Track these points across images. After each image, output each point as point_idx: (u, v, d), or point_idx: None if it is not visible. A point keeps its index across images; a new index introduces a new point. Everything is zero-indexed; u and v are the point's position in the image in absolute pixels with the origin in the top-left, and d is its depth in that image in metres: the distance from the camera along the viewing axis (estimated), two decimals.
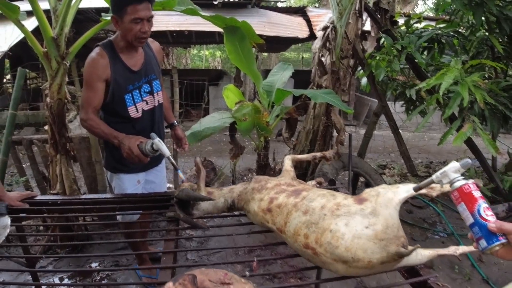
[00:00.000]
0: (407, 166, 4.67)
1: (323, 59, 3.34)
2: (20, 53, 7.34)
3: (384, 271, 1.19)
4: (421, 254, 1.25)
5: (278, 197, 1.36)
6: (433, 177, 1.06)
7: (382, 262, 1.11)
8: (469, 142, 3.74)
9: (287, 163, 1.60)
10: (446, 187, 1.11)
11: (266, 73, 7.57)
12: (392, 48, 3.47)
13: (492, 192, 3.68)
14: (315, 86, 3.35)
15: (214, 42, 9.68)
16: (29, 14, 2.72)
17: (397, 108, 4.44)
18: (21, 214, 1.72)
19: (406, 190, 1.22)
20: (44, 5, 2.30)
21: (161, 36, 6.87)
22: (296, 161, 1.68)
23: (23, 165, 3.38)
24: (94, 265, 2.65)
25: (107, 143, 2.02)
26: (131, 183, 2.09)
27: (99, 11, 6.29)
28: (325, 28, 3.42)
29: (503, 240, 0.87)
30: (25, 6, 2.45)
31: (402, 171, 4.87)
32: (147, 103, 2.01)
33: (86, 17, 5.97)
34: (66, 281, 2.43)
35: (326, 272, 2.40)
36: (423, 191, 1.27)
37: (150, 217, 2.30)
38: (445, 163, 5.37)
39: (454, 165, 1.02)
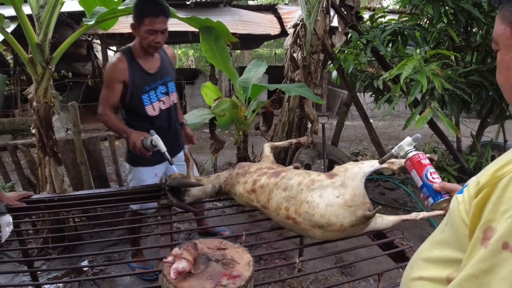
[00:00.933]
0: (378, 152, 4.95)
1: (294, 55, 3.54)
2: None
3: (355, 234, 1.39)
4: (386, 220, 1.46)
5: (260, 179, 1.54)
6: (392, 150, 1.28)
7: (352, 225, 1.30)
8: (434, 127, 4.04)
9: (267, 149, 1.78)
10: (403, 162, 1.34)
11: (240, 70, 7.70)
12: (358, 42, 3.70)
13: (458, 171, 3.98)
14: (288, 80, 3.54)
15: (187, 42, 9.73)
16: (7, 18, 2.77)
17: (366, 99, 4.69)
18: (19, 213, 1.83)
19: (369, 165, 1.42)
20: (26, 10, 2.36)
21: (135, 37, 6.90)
22: (274, 148, 1.86)
23: (7, 171, 3.43)
24: (86, 263, 2.76)
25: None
26: (149, 176, 2.29)
27: (71, 15, 6.30)
28: (295, 26, 3.62)
29: (447, 197, 1.08)
30: (5, 12, 2.52)
31: (374, 157, 5.14)
32: (164, 103, 2.23)
33: (60, 21, 5.96)
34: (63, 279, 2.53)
35: (307, 252, 2.61)
36: (385, 165, 1.48)
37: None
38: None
39: (407, 139, 1.25)
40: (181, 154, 2.45)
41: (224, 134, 5.45)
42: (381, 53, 3.74)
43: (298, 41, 3.52)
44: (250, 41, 7.95)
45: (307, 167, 2.24)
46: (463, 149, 4.78)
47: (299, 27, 3.51)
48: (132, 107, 2.16)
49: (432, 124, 3.91)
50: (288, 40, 3.62)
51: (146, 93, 2.13)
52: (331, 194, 1.33)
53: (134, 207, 2.32)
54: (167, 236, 1.44)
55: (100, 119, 2.10)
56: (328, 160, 3.65)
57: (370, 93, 4.56)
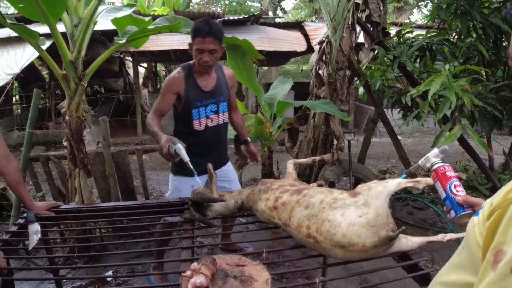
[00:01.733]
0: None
1: (320, 71, 3.54)
2: (28, 75, 7.61)
3: (378, 255, 1.35)
4: (411, 241, 1.42)
5: (282, 196, 1.53)
6: (419, 162, 1.27)
7: (375, 246, 1.27)
8: (464, 144, 3.91)
9: (290, 166, 1.77)
10: (430, 181, 1.31)
11: (267, 86, 7.78)
12: (385, 58, 3.67)
13: (490, 191, 3.82)
14: (313, 97, 3.54)
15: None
16: (41, 36, 2.92)
17: (394, 116, 4.62)
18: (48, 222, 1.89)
19: (394, 183, 1.39)
20: (60, 28, 2.49)
21: (164, 54, 7.12)
22: (298, 165, 1.85)
23: (39, 181, 3.57)
24: (110, 273, 2.81)
25: (176, 133, 2.36)
26: (186, 186, 2.32)
27: (104, 33, 6.58)
28: (321, 43, 3.63)
29: (469, 211, 1.05)
30: (37, 29, 2.66)
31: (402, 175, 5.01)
32: (212, 120, 2.31)
33: (93, 38, 6.25)
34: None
35: (331, 271, 2.56)
36: (411, 184, 1.44)
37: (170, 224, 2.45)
38: None
39: (434, 151, 1.24)
40: (225, 169, 2.52)
41: None
42: (408, 69, 3.69)
43: (324, 58, 3.53)
44: (277, 58, 8.04)
45: (331, 184, 2.22)
46: (496, 167, 4.59)
47: (324, 44, 3.52)
48: (182, 119, 2.29)
49: (462, 141, 3.79)
50: (314, 57, 3.63)
51: (197, 108, 2.24)
52: (353, 213, 1.30)
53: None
54: (188, 251, 1.45)
55: (147, 120, 2.20)
56: (354, 177, 3.59)
57: (398, 109, 4.50)
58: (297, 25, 7.54)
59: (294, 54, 8.01)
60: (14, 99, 8.90)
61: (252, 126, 3.01)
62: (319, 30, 6.90)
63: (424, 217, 3.91)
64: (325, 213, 1.35)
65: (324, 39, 3.57)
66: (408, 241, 1.41)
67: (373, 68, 3.99)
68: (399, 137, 4.43)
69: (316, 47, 3.69)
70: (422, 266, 1.45)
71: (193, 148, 2.22)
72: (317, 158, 1.87)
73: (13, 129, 6.66)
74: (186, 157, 1.78)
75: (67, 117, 2.59)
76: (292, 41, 6.70)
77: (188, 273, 0.94)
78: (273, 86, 3.92)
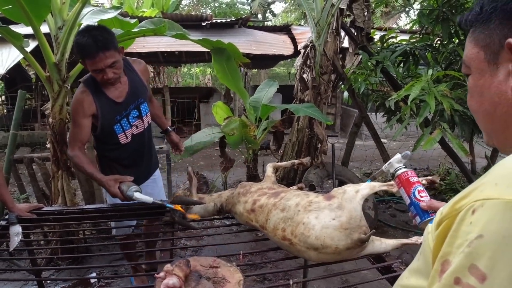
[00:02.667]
0: (391, 173, 4.90)
1: (304, 75, 3.59)
2: (14, 75, 7.53)
3: (352, 257, 1.39)
4: (385, 243, 1.46)
5: (260, 199, 1.56)
6: (383, 167, 1.31)
7: (348, 248, 1.31)
8: (447, 148, 4.00)
9: (269, 170, 1.80)
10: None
11: (255, 89, 7.81)
12: (368, 63, 3.74)
13: None
14: (298, 101, 3.59)
15: (203, 61, 9.91)
16: (27, 36, 2.91)
17: (379, 119, 4.69)
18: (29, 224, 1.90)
19: (368, 187, 1.43)
20: (44, 29, 2.47)
21: (152, 56, 7.11)
22: (277, 168, 1.89)
23: (23, 183, 3.54)
24: (93, 275, 2.81)
25: (100, 159, 2.20)
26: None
27: None
28: (305, 47, 3.68)
29: (433, 216, 1.09)
30: (23, 30, 2.65)
31: (386, 177, 5.09)
32: (137, 127, 2.10)
33: None
34: None
35: (312, 272, 2.60)
36: (385, 187, 1.49)
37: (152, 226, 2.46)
38: (427, 169, 5.62)
39: (397, 156, 1.28)
40: (156, 173, 2.39)
41: (236, 152, 5.50)
42: (391, 73, 3.76)
43: (308, 62, 3.58)
44: (264, 61, 8.07)
45: (311, 188, 2.25)
46: (478, 170, 4.69)
47: (309, 48, 3.58)
48: (104, 137, 2.05)
49: (444, 145, 3.87)
50: (298, 61, 3.68)
51: (118, 123, 2.00)
52: (327, 216, 1.34)
53: (114, 231, 2.35)
54: (167, 252, 1.47)
55: (71, 161, 2.01)
56: (337, 180, 3.65)
57: (383, 113, 4.57)
58: (284, 29, 7.60)
59: (281, 57, 8.07)
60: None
61: (236, 129, 3.04)
62: (306, 34, 6.96)
63: (406, 220, 3.98)
64: (300, 216, 1.38)
65: (308, 43, 3.62)
66: (382, 244, 1.45)
67: (357, 72, 4.06)
68: (384, 140, 4.51)
69: (301, 51, 3.74)
70: (395, 268, 1.50)
71: (124, 161, 2.15)
72: (296, 161, 1.90)
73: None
74: (149, 199, 1.72)
75: (50, 119, 2.59)
76: (279, 45, 6.76)
77: (162, 274, 0.97)
78: (258, 89, 3.96)
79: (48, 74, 2.53)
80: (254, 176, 3.69)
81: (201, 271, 1.07)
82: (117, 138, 2.03)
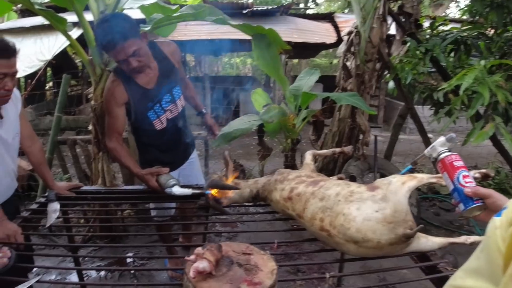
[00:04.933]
0: (436, 169, 4.65)
1: (347, 63, 3.44)
2: (61, 62, 7.84)
3: (394, 253, 1.29)
4: (431, 241, 1.35)
5: (298, 186, 1.49)
6: (425, 151, 1.21)
7: (391, 244, 1.22)
8: (498, 145, 3.72)
9: (308, 157, 1.72)
10: None
11: (295, 79, 7.67)
12: (416, 51, 3.53)
13: None
14: (340, 89, 3.45)
15: (244, 50, 9.89)
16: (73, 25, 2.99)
17: (426, 112, 4.45)
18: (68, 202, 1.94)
19: (415, 179, 1.32)
20: (88, 17, 2.53)
21: (193, 43, 7.16)
22: (317, 156, 1.80)
23: (67, 164, 3.68)
24: (129, 255, 2.86)
25: (138, 144, 2.22)
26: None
27: None
28: (349, 33, 3.53)
29: (479, 204, 0.98)
30: (70, 18, 2.71)
31: (431, 173, 4.84)
32: (171, 112, 2.07)
33: None
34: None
35: (348, 267, 2.50)
36: (434, 180, 1.37)
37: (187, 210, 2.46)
38: (475, 167, 5.28)
39: (440, 139, 1.17)
40: (193, 156, 2.37)
41: (274, 142, 5.43)
42: (441, 63, 3.54)
43: (352, 49, 3.43)
44: (306, 50, 7.90)
45: (352, 179, 2.15)
46: None
47: (353, 34, 3.42)
48: (139, 125, 2.06)
49: (495, 141, 3.60)
50: (341, 48, 3.53)
51: (151, 109, 1.99)
52: (370, 208, 1.25)
53: (153, 213, 2.36)
54: (200, 236, 1.44)
55: (110, 154, 2.02)
56: (379, 174, 3.49)
57: (429, 106, 4.33)
58: (327, 17, 7.38)
59: (323, 46, 7.86)
60: (47, 85, 9.21)
61: (275, 117, 2.96)
62: (350, 22, 6.69)
63: (451, 219, 3.76)
64: (340, 206, 1.30)
65: (353, 29, 3.46)
66: (428, 241, 1.34)
67: (404, 61, 3.85)
68: (430, 135, 4.27)
69: (345, 38, 3.59)
70: (441, 268, 1.38)
71: (160, 146, 2.15)
72: (337, 150, 1.81)
73: (43, 113, 6.90)
74: (188, 191, 1.69)
75: (92, 102, 2.64)
76: (321, 33, 6.56)
77: (192, 257, 0.93)
78: (299, 78, 3.86)
79: (90, 57, 2.57)
80: (291, 166, 3.60)
81: (233, 257, 1.02)
82: (152, 125, 2.02)
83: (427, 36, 3.74)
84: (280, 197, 1.52)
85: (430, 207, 4.14)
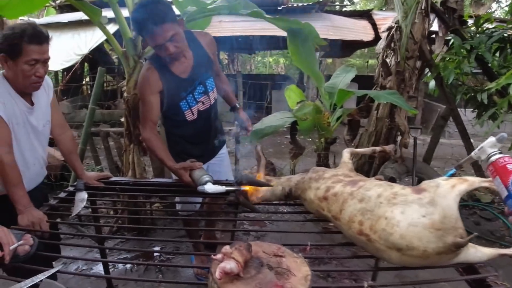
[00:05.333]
0: (478, 176, 4.38)
1: (387, 60, 3.28)
2: (98, 58, 8.03)
3: (440, 264, 1.16)
4: (481, 252, 1.21)
5: (334, 186, 1.38)
6: (472, 153, 1.08)
7: (438, 253, 1.09)
8: None
9: (346, 155, 1.61)
10: None
11: (329, 79, 7.50)
12: (461, 48, 3.32)
13: None
14: (378, 87, 3.29)
15: (277, 48, 9.80)
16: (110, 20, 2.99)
17: (467, 115, 4.20)
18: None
19: (467, 182, 1.19)
20: (125, 13, 2.53)
21: (227, 42, 7.14)
22: (355, 154, 1.69)
23: (99, 156, 3.72)
24: (156, 249, 2.84)
25: (167, 135, 2.18)
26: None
27: None
28: (389, 29, 3.36)
29: None
30: (107, 13, 2.72)
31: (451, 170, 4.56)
32: (203, 103, 2.02)
33: None
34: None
35: (382, 276, 2.36)
36: (486, 184, 1.23)
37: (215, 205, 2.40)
38: None
39: (490, 140, 1.05)
40: (223, 151, 2.32)
41: (306, 141, 5.30)
42: (486, 61, 3.31)
43: (392, 45, 3.26)
44: (341, 49, 7.70)
45: (392, 180, 2.01)
46: None
47: (393, 29, 3.25)
48: (171, 114, 2.01)
49: None
50: (381, 44, 3.37)
51: (184, 99, 1.94)
52: (416, 212, 1.12)
53: (178, 206, 2.31)
54: (228, 234, 1.37)
55: (144, 144, 1.97)
56: (417, 178, 3.30)
57: (472, 109, 4.09)
58: (364, 14, 7.13)
59: (359, 45, 7.65)
60: (84, 80, 9.48)
61: (309, 115, 2.85)
62: (388, 20, 6.45)
63: (491, 229, 3.51)
64: (382, 209, 1.18)
65: (393, 24, 3.29)
66: (477, 252, 1.20)
67: (447, 59, 3.64)
68: (471, 140, 4.03)
69: (384, 34, 3.42)
70: (490, 282, 1.24)
71: (190, 138, 2.10)
72: (378, 148, 1.69)
73: (79, 105, 7.09)
74: (221, 189, 1.60)
75: (125, 94, 2.63)
76: (358, 30, 6.35)
77: (219, 256, 0.85)
78: (335, 75, 3.72)
79: (124, 49, 2.55)
80: (324, 166, 3.47)
81: (263, 258, 0.94)
82: (183, 115, 1.98)
83: (471, 33, 3.52)
84: (314, 197, 1.42)
85: (470, 215, 3.89)
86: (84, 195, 1.74)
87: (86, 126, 3.23)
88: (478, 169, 4.26)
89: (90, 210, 1.87)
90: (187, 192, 1.82)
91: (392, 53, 3.28)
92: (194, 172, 1.69)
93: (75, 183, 1.84)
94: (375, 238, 1.16)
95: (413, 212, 1.14)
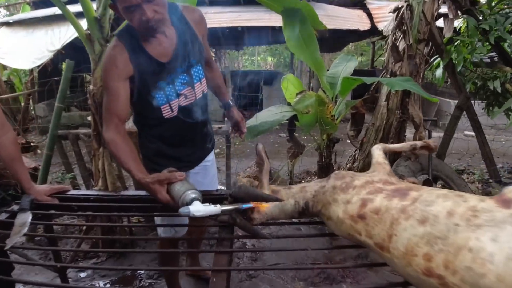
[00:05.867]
0: (490, 171, 4.02)
1: (398, 43, 2.88)
2: (77, 57, 7.52)
3: None
4: None
5: (373, 198, 0.96)
6: None
7: None
8: None
9: (378, 153, 1.19)
10: None
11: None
12: (477, 30, 2.96)
13: None
14: (388, 74, 2.89)
15: (267, 43, 9.43)
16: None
17: (476, 107, 3.86)
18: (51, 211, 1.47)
19: None
20: None
21: (213, 37, 6.73)
22: (387, 152, 1.27)
23: (71, 163, 3.24)
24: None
25: (140, 134, 1.69)
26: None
27: None
28: (397, 9, 2.96)
29: None
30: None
31: (483, 177, 4.21)
32: (185, 97, 1.54)
33: None
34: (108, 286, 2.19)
35: None
36: None
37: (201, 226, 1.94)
38: None
39: None
40: (210, 158, 1.84)
41: (301, 139, 4.88)
42: (507, 42, 2.96)
43: (402, 26, 2.86)
44: (333, 42, 7.32)
45: (427, 183, 1.59)
46: None
47: (403, 9, 2.85)
48: (142, 110, 1.56)
49: None
50: (390, 25, 2.97)
51: (161, 90, 1.47)
52: None
53: (159, 230, 1.81)
54: (223, 256, 0.94)
55: (108, 148, 1.44)
56: (432, 176, 2.91)
57: (480, 100, 3.76)
58: (358, 3, 6.77)
59: (352, 37, 7.31)
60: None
61: (312, 107, 2.43)
62: (383, 9, 6.12)
63: None
64: (461, 234, 0.76)
65: (402, 3, 2.90)
66: None
67: (458, 43, 3.28)
68: (471, 133, 3.69)
69: (391, 15, 3.03)
70: None
71: (169, 139, 1.61)
72: (419, 143, 1.27)
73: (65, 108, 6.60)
74: (216, 210, 1.07)
75: (91, 87, 2.18)
76: (354, 20, 5.96)
77: None
78: (334, 65, 3.31)
79: (88, 31, 2.10)
80: (327, 166, 3.06)
81: None
82: (159, 111, 1.50)
83: (484, 14, 3.18)
84: (344, 214, 1.00)
85: None
86: (26, 217, 1.29)
87: (52, 128, 2.76)
88: (490, 163, 3.92)
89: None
90: (164, 210, 1.36)
91: (402, 35, 2.88)
92: (174, 187, 1.19)
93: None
94: (455, 282, 0.74)
95: (510, 237, 0.72)
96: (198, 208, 1.05)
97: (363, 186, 1.03)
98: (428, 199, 0.87)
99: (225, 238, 1.09)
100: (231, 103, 1.86)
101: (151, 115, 1.52)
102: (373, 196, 0.97)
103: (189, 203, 1.08)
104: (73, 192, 1.55)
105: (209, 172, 1.84)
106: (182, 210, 1.05)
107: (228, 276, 0.94)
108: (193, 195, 1.11)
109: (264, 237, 1.05)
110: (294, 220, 1.35)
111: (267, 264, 2.43)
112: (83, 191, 1.49)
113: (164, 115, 1.51)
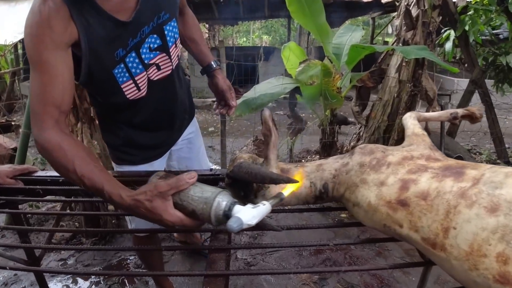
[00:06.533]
0: (498, 151, 3.84)
1: (411, 9, 2.61)
2: None
3: None
4: None
5: (417, 179, 0.73)
6: None
7: None
8: None
9: (412, 123, 0.96)
10: None
11: (320, 50, 6.86)
12: None
13: None
14: (400, 43, 2.63)
15: (263, 18, 9.12)
16: None
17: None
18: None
19: None
20: None
21: (206, 8, 6.39)
22: (422, 121, 1.04)
23: None
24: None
25: (101, 121, 1.33)
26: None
27: None
28: None
29: None
30: None
31: (490, 157, 4.02)
32: (158, 68, 1.14)
33: None
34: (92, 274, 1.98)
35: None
36: None
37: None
38: None
39: None
40: (191, 131, 1.48)
41: (302, 113, 4.64)
42: None
43: None
44: (330, 16, 7.01)
45: (459, 159, 1.36)
46: None
47: None
48: (96, 91, 1.14)
49: None
50: None
51: (121, 62, 1.03)
52: None
53: (131, 225, 1.44)
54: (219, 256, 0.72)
55: (46, 158, 0.91)
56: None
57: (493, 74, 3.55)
58: None
59: (354, 11, 7.01)
60: None
61: (317, 77, 2.19)
62: None
63: None
64: None
65: None
66: None
67: (472, 13, 3.03)
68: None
69: None
70: None
71: (141, 125, 1.25)
72: (460, 111, 1.05)
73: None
74: (265, 209, 0.73)
75: None
76: None
77: None
78: (338, 35, 3.04)
79: None
80: (330, 144, 2.84)
81: None
82: (120, 91, 1.09)
83: None
84: (378, 200, 0.77)
85: None
86: None
87: (28, 105, 2.49)
88: (500, 143, 3.73)
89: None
90: None
91: (414, 1, 2.61)
92: (187, 196, 0.77)
93: None
94: None
95: None
96: (251, 214, 0.70)
97: (400, 163, 0.80)
98: (495, 180, 0.65)
99: (221, 231, 0.87)
100: (214, 65, 1.40)
101: (110, 99, 1.14)
102: (417, 176, 0.74)
103: (228, 211, 0.73)
104: (40, 173, 1.30)
105: (194, 144, 1.50)
106: (231, 225, 0.67)
107: (226, 281, 0.72)
108: (227, 199, 0.75)
109: (271, 228, 0.81)
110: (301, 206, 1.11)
111: (267, 251, 2.23)
112: (52, 172, 1.24)
113: (128, 96, 1.11)
